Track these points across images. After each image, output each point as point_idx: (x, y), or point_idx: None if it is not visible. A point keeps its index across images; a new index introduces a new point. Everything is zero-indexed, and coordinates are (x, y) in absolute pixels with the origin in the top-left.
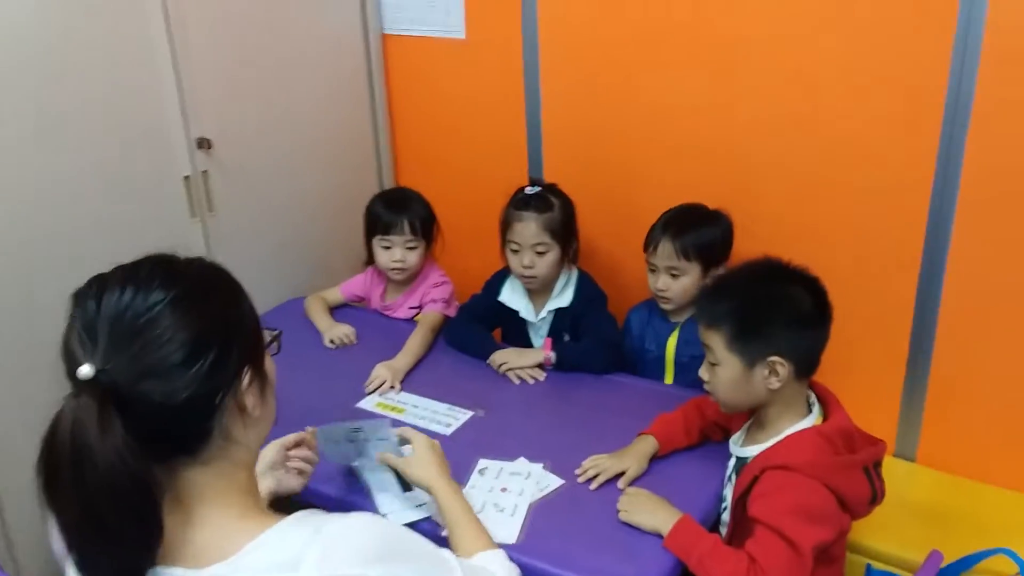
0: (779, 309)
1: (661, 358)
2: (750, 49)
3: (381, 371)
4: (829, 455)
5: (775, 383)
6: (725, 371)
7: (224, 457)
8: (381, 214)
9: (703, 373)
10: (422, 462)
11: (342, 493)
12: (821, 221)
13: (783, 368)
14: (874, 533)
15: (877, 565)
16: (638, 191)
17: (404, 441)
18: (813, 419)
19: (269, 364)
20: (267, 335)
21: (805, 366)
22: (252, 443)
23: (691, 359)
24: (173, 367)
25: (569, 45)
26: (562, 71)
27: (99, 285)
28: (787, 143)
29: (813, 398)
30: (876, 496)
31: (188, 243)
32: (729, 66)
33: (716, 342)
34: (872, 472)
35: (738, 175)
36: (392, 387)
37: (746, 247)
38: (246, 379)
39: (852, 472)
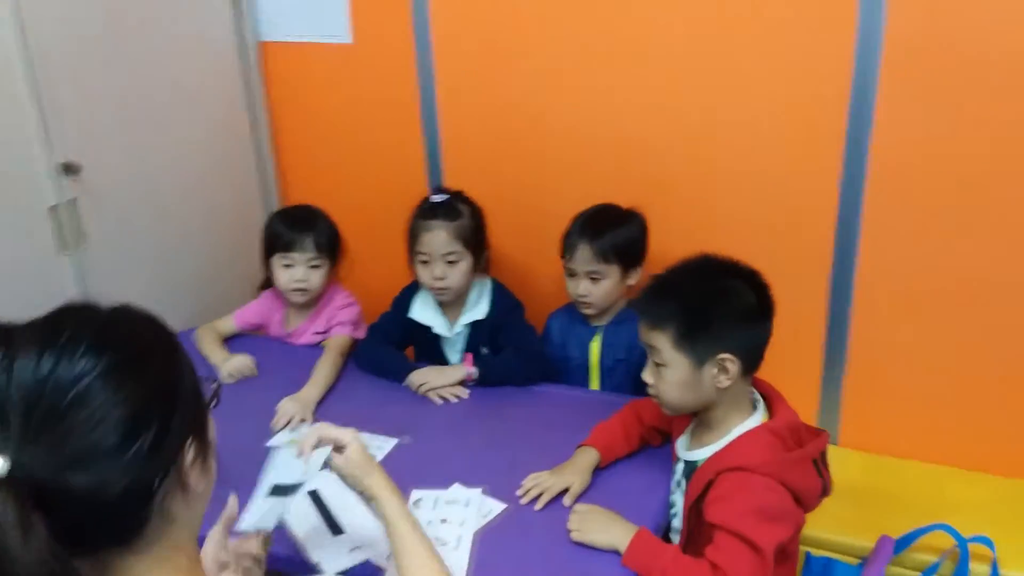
0: (726, 305)
1: (585, 364)
2: (652, 46)
3: (287, 406)
4: (781, 452)
5: (725, 381)
6: (673, 372)
7: (163, 541)
8: (282, 232)
9: (647, 376)
10: (364, 464)
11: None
12: (733, 212)
13: (733, 365)
14: (809, 520)
15: (816, 552)
16: (545, 195)
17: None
18: (760, 416)
19: (211, 427)
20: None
21: (752, 362)
22: (195, 520)
23: (616, 363)
24: (106, 453)
25: (465, 45)
26: (458, 73)
27: (5, 346)
28: (694, 137)
29: (756, 395)
30: (826, 488)
31: (58, 280)
32: (631, 63)
33: (662, 343)
34: (820, 464)
35: (646, 173)
36: (303, 420)
37: (660, 245)
38: (190, 454)
39: (804, 467)
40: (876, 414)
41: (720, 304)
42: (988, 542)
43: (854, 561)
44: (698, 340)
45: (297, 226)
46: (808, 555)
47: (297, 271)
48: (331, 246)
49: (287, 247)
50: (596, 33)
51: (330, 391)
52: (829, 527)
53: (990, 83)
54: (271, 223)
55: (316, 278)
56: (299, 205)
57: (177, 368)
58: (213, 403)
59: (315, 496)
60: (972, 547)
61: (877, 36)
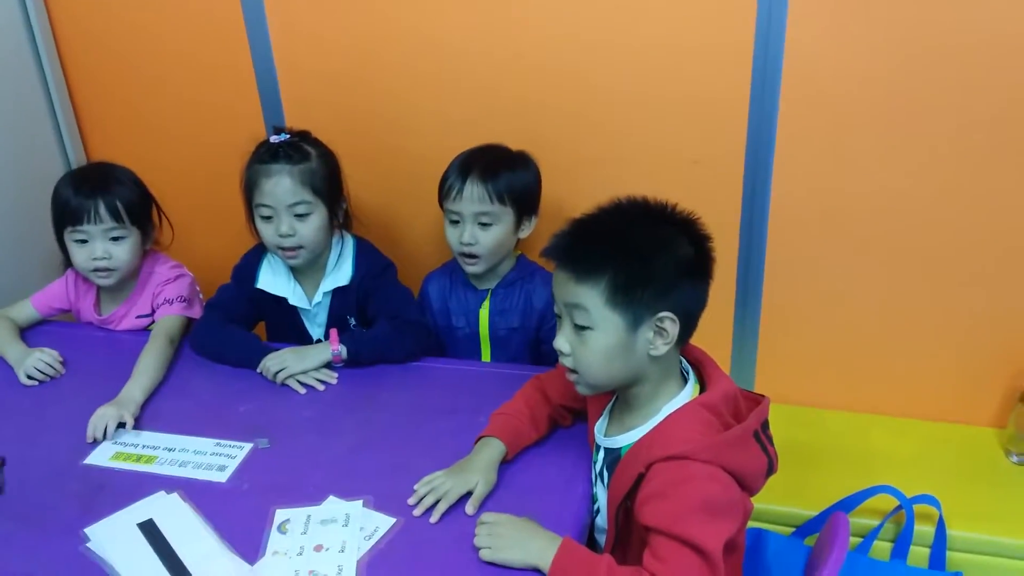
0: (668, 255)
1: (474, 334)
2: None
3: (102, 412)
4: (718, 430)
5: (661, 347)
6: (600, 337)
7: None
8: (69, 198)
9: (561, 344)
10: None
11: None
12: (626, 155)
13: (673, 326)
14: None
15: (748, 524)
16: (411, 134)
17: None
18: (691, 390)
19: None
20: None
21: (688, 327)
22: None
23: (509, 332)
24: None
25: None
26: None
27: None
28: (585, 68)
29: (686, 365)
30: (772, 464)
31: None
32: None
33: (591, 299)
34: (762, 436)
35: (527, 114)
36: (122, 426)
37: (553, 195)
38: None
39: (746, 444)
40: (793, 363)
41: (662, 254)
42: (934, 501)
43: (787, 531)
44: (637, 296)
45: (86, 189)
46: None
47: (95, 247)
48: (135, 211)
49: (76, 218)
50: None
51: (161, 386)
52: (759, 495)
53: None
54: (58, 188)
55: (121, 252)
56: (92, 163)
57: None
58: None
59: (149, 527)
60: (917, 508)
61: None
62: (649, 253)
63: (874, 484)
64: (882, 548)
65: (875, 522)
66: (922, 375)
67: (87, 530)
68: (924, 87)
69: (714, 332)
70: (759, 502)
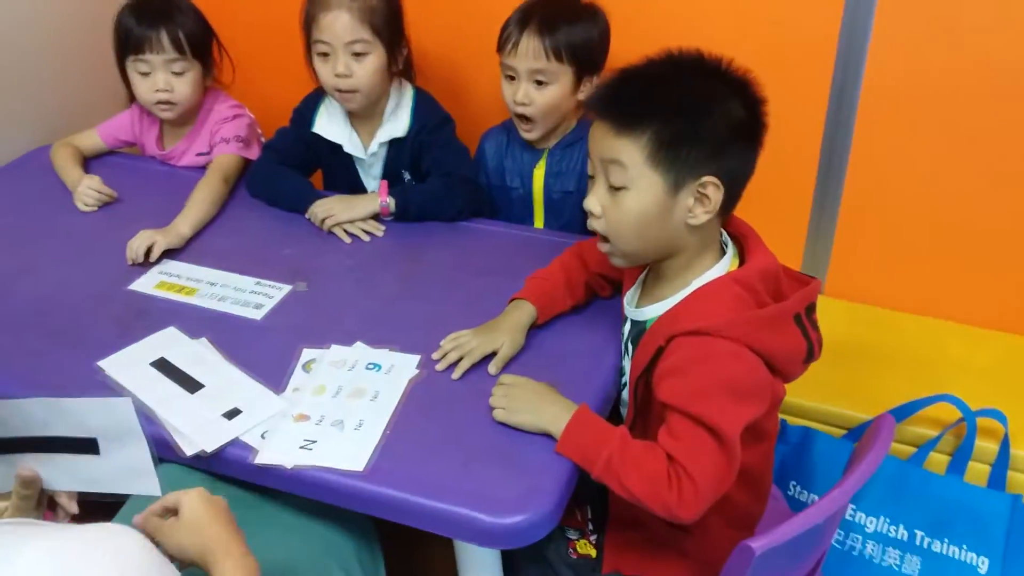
0: (720, 115)
1: (527, 196)
2: None
3: (145, 234)
4: (751, 307)
5: (702, 215)
6: (638, 197)
7: None
8: (131, 27)
9: (592, 204)
10: (194, 525)
11: None
12: (714, 21)
13: (717, 192)
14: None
15: (793, 421)
16: None
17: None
18: (727, 263)
19: None
20: None
21: (733, 196)
22: None
23: (563, 195)
24: None
25: None
26: None
27: None
28: None
29: (726, 237)
30: (813, 350)
31: None
32: None
33: (632, 154)
34: (805, 320)
35: None
36: (158, 255)
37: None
38: None
39: (781, 325)
40: (870, 259)
41: (712, 112)
42: (1000, 416)
43: (838, 433)
44: (682, 155)
45: (148, 18)
46: (784, 423)
47: (157, 78)
48: (197, 43)
49: (138, 47)
50: None
51: (212, 223)
52: (808, 392)
53: None
54: (119, 15)
55: (183, 86)
56: None
57: None
58: None
59: (160, 364)
60: (980, 421)
61: None
62: (698, 109)
63: (939, 393)
64: (939, 461)
65: (934, 433)
66: (1006, 284)
67: (101, 363)
68: None
69: (789, 220)
70: (813, 400)
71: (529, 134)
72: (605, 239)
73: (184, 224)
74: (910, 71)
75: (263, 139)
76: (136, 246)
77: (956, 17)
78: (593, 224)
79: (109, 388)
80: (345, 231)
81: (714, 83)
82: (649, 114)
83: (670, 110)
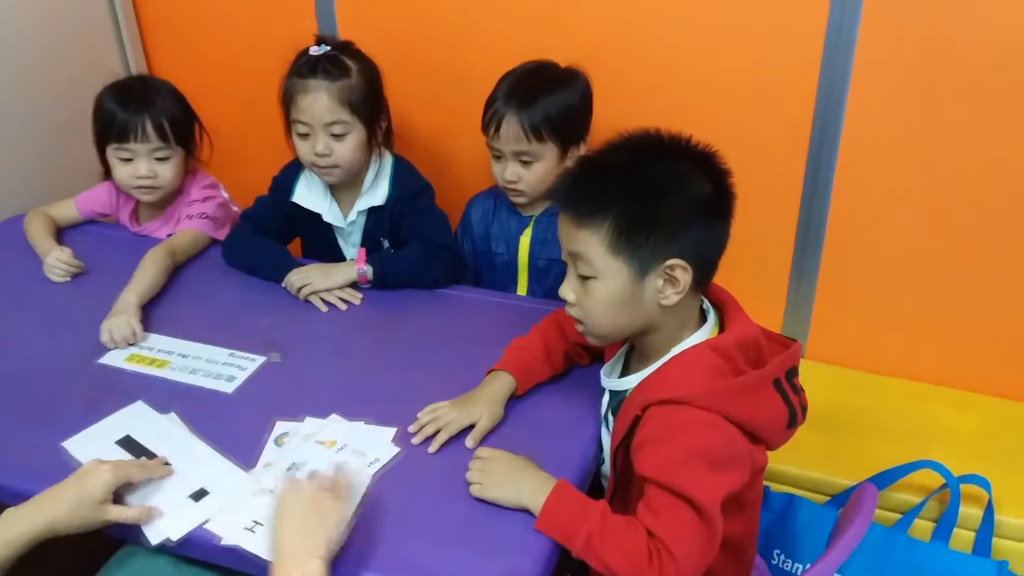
0: (678, 195)
1: (512, 262)
2: None
3: (106, 326)
4: (727, 376)
5: (672, 296)
6: (605, 286)
7: None
8: (115, 113)
9: (567, 293)
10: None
11: None
12: (697, 90)
13: (685, 274)
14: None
15: (776, 488)
16: (463, 50)
17: None
18: (707, 331)
19: None
20: None
21: (705, 272)
22: None
23: (549, 263)
24: None
25: None
26: None
27: None
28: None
29: (708, 305)
30: (796, 415)
31: None
32: None
33: (592, 247)
34: (786, 385)
35: (592, 30)
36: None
37: (605, 120)
38: None
39: (759, 392)
40: (850, 322)
41: (671, 193)
42: (983, 482)
43: (821, 499)
44: (642, 241)
45: (131, 105)
46: (767, 490)
47: (139, 166)
48: (181, 130)
49: (122, 135)
50: None
51: (188, 293)
52: (790, 458)
53: None
54: (100, 101)
55: (167, 172)
56: (135, 76)
57: None
58: None
59: (126, 442)
60: (964, 488)
61: None
62: (656, 192)
63: (921, 459)
64: (924, 527)
65: (918, 499)
66: (989, 348)
67: (65, 443)
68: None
69: (768, 285)
70: (795, 466)
71: (519, 198)
72: (580, 321)
73: (131, 294)
74: (888, 136)
75: (232, 220)
76: (120, 338)
77: (933, 79)
78: (569, 311)
79: (73, 469)
80: (322, 299)
81: (672, 163)
82: (606, 204)
83: (627, 198)
